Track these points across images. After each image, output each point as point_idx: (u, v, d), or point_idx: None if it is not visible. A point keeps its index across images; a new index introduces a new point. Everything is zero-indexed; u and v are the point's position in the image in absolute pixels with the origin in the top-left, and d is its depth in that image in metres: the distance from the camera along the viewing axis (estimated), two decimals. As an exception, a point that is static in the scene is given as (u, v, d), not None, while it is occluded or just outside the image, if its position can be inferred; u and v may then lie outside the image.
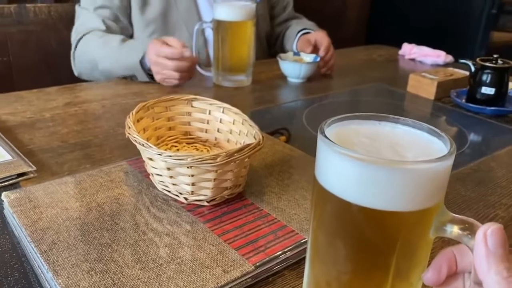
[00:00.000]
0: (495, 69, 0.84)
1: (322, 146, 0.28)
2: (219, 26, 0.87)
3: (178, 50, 0.82)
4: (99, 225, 0.43)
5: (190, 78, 0.88)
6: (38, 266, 0.38)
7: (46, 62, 1.26)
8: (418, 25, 2.09)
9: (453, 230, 0.28)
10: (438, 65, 1.22)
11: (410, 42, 1.33)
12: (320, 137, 0.28)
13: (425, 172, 0.26)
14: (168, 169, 0.45)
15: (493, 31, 1.93)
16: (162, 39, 0.85)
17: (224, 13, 0.86)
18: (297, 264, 0.41)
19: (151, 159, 0.46)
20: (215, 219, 0.45)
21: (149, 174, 0.51)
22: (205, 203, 0.47)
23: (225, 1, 0.88)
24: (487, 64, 0.85)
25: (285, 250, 0.41)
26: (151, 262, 0.38)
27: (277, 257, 0.40)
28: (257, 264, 0.39)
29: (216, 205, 0.47)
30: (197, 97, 0.58)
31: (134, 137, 0.46)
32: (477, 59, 0.87)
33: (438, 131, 0.30)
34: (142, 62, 0.87)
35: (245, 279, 0.38)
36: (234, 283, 0.37)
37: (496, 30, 1.94)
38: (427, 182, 0.26)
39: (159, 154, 0.43)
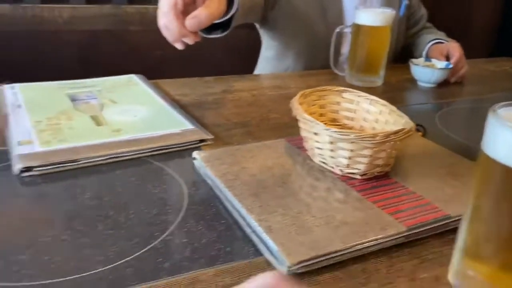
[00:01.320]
0: None
1: (493, 123, 0.34)
2: (359, 30, 0.95)
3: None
4: (272, 182, 0.53)
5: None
6: (233, 206, 0.49)
7: (193, 56, 1.45)
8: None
9: None
10: None
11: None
12: (492, 114, 0.35)
13: None
14: (331, 143, 0.53)
15: None
16: None
17: (366, 18, 0.93)
18: (442, 234, 0.47)
19: (316, 133, 0.55)
20: (366, 190, 0.52)
21: (305, 150, 0.60)
22: (357, 177, 0.54)
23: (362, 9, 0.95)
24: None
25: (432, 220, 0.47)
26: (319, 213, 0.47)
27: (426, 224, 0.46)
28: (410, 227, 0.45)
29: (366, 179, 0.55)
30: (348, 89, 0.67)
31: (303, 115, 0.56)
32: None
33: None
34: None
35: (399, 237, 0.45)
36: (390, 238, 0.44)
37: None
38: None
39: (326, 129, 0.52)
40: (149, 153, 0.61)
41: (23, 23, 1.20)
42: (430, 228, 0.47)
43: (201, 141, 0.66)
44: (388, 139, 0.51)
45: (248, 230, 0.46)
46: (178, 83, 0.94)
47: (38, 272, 0.39)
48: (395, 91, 0.98)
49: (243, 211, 0.47)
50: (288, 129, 0.72)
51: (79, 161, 0.57)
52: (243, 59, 1.30)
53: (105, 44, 1.32)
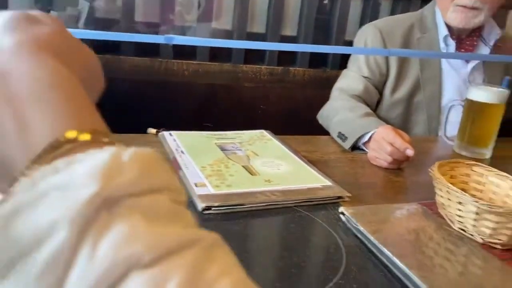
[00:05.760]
0: None
1: None
2: (472, 105, 1.02)
3: (405, 145, 0.88)
4: (420, 243, 0.60)
5: (396, 168, 0.93)
6: (389, 260, 0.56)
7: (292, 112, 1.57)
8: None
9: None
10: None
11: None
12: None
13: None
14: (476, 213, 0.60)
15: None
16: (396, 129, 0.94)
17: (480, 95, 1.00)
18: None
19: (460, 203, 0.62)
20: (509, 260, 0.58)
21: (439, 215, 0.66)
22: (498, 247, 0.60)
23: (479, 86, 1.02)
24: None
25: None
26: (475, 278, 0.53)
27: None
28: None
29: (506, 250, 0.60)
30: (479, 164, 0.73)
31: (448, 185, 0.63)
32: None
33: None
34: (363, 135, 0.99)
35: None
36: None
37: None
38: None
39: (475, 201, 0.59)
40: (297, 203, 0.71)
41: (158, 74, 1.39)
42: None
43: (339, 197, 0.74)
44: (534, 215, 0.56)
45: (409, 284, 0.53)
46: (299, 140, 1.04)
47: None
48: (506, 164, 1.02)
49: (403, 267, 0.54)
50: (411, 193, 0.79)
51: (245, 205, 0.67)
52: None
53: (221, 97, 1.48)
